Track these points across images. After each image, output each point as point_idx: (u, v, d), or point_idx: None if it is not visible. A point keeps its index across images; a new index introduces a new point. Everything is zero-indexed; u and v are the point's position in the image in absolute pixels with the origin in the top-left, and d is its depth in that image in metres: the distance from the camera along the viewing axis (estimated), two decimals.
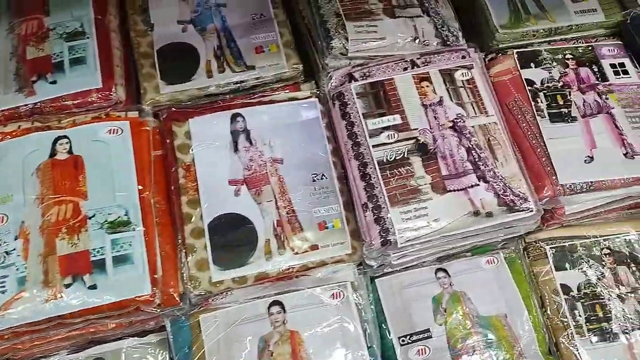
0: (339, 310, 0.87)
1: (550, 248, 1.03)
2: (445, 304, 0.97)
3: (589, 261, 1.02)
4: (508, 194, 0.93)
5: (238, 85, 1.00)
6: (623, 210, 1.05)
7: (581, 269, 1.01)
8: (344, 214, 0.94)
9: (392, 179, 0.92)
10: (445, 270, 1.00)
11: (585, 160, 0.99)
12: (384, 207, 0.90)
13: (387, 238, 0.88)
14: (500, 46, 1.11)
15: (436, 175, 0.94)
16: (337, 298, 0.87)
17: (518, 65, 1.08)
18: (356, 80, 0.98)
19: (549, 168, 0.98)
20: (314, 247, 0.91)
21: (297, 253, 0.90)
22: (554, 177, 0.97)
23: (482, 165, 0.95)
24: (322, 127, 0.99)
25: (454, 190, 0.93)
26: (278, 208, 0.92)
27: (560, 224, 1.04)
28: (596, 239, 1.04)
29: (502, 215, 0.92)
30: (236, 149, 0.95)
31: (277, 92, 1.01)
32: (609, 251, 1.03)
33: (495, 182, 0.94)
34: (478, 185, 0.94)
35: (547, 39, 1.12)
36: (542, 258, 1.03)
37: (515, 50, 1.10)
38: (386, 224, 0.89)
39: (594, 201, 0.99)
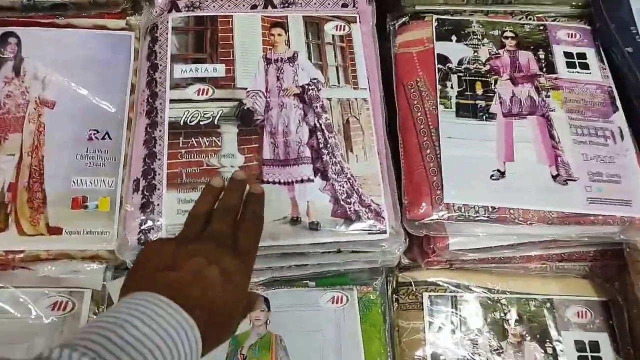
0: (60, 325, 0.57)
1: (430, 297, 0.71)
2: (248, 349, 0.66)
3: (483, 326, 0.69)
4: (353, 201, 0.62)
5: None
6: (542, 262, 0.71)
7: (469, 336, 0.68)
8: (120, 192, 0.65)
9: (182, 151, 0.62)
10: (265, 300, 0.69)
11: (491, 176, 0.67)
12: (158, 188, 0.61)
13: (148, 235, 0.59)
14: (416, 8, 0.80)
15: (253, 157, 0.64)
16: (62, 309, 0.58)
17: (434, 36, 0.77)
18: (179, 10, 0.70)
19: (434, 178, 0.66)
20: (55, 230, 0.62)
21: (25, 234, 0.61)
22: (438, 191, 0.65)
23: (327, 154, 0.64)
24: (129, 72, 0.71)
25: (273, 183, 0.63)
26: (20, 166, 0.64)
27: (447, 263, 0.71)
28: (501, 295, 0.71)
29: (333, 230, 0.60)
30: None
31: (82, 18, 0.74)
32: (516, 317, 0.70)
33: (339, 182, 0.63)
34: (312, 181, 0.63)
35: (483, 7, 0.80)
36: (415, 309, 0.70)
37: (435, 16, 0.79)
38: (153, 214, 0.60)
39: (496, 238, 0.66)
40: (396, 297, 0.72)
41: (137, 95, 0.67)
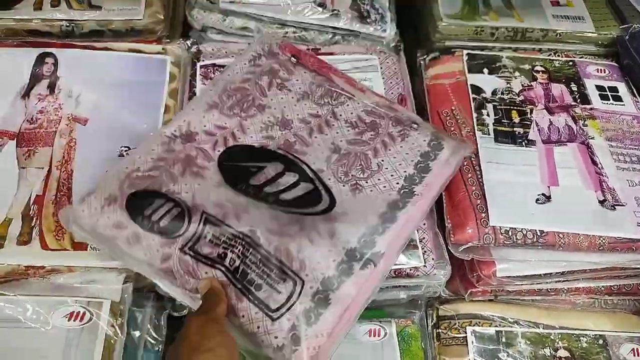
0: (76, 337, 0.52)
1: (474, 332, 0.66)
2: None
3: None
4: None
5: (72, 25, 0.74)
6: (590, 295, 0.67)
7: None
8: None
9: None
10: None
11: (537, 200, 0.64)
12: None
13: None
14: (446, 43, 0.82)
15: None
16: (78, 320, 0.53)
17: (466, 69, 0.78)
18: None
19: (478, 201, 0.64)
20: (80, 246, 0.58)
21: (48, 248, 0.57)
22: (483, 214, 0.62)
23: None
24: (163, 93, 0.70)
25: None
26: (48, 180, 0.61)
27: (493, 294, 0.67)
28: (550, 330, 0.66)
29: None
30: (27, 95, 0.67)
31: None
32: (567, 354, 0.65)
33: None
34: None
35: (512, 45, 0.82)
36: (459, 344, 0.65)
37: (465, 51, 0.81)
38: None
39: (544, 264, 0.63)
40: (437, 331, 0.66)
41: None
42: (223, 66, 0.72)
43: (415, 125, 0.66)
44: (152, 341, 0.56)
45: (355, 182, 0.60)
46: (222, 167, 0.60)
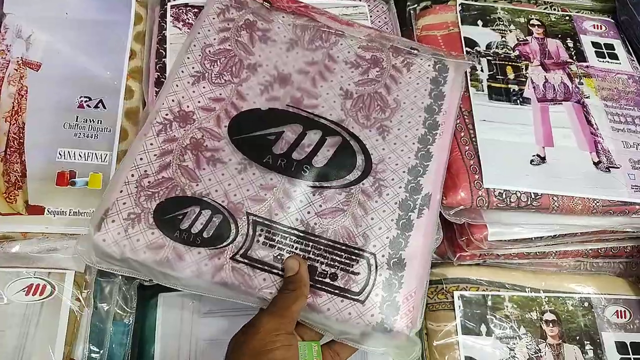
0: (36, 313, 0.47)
1: (461, 297, 0.64)
2: None
3: (519, 327, 0.62)
4: None
5: None
6: (577, 258, 0.66)
7: (504, 338, 0.61)
8: (114, 169, 0.56)
9: None
10: None
11: (532, 161, 0.61)
12: None
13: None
14: None
15: None
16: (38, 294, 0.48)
17: (459, 20, 0.73)
18: None
19: (472, 162, 0.60)
20: (36, 210, 0.52)
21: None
22: (476, 176, 0.59)
23: None
24: (128, 36, 0.62)
25: None
26: None
27: (480, 258, 0.65)
28: (536, 293, 0.65)
29: None
30: None
31: None
32: (553, 317, 0.64)
33: None
34: None
35: None
36: (446, 309, 0.63)
37: (459, 1, 0.75)
38: None
39: (538, 228, 0.61)
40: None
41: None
42: (197, 7, 0.64)
43: (415, 51, 0.64)
44: (122, 313, 0.51)
45: (379, 124, 0.58)
46: (236, 142, 0.53)
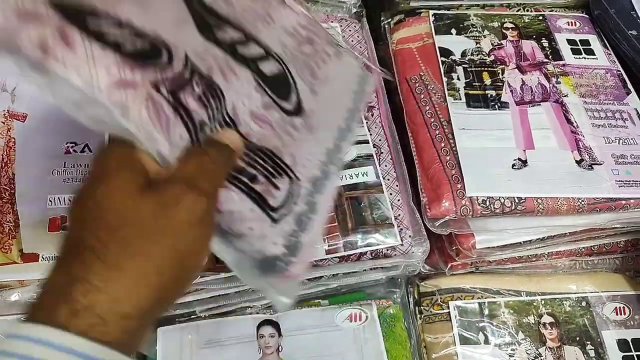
0: None
1: (457, 307, 0.64)
2: None
3: (517, 333, 0.62)
4: None
5: None
6: (571, 258, 0.66)
7: (503, 345, 0.61)
8: None
9: None
10: (274, 324, 0.61)
11: (513, 165, 0.62)
12: None
13: None
14: (411, 4, 0.77)
15: None
16: None
17: (433, 31, 0.74)
18: None
19: (453, 172, 0.61)
20: (30, 257, 0.53)
21: None
22: (459, 186, 0.60)
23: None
24: None
25: None
26: None
27: (472, 266, 0.65)
28: (532, 297, 0.65)
29: None
30: None
31: None
32: (551, 319, 0.64)
33: None
34: None
35: (479, 2, 0.78)
36: (442, 320, 0.63)
37: (431, 11, 0.76)
38: None
39: (523, 232, 0.61)
40: (419, 308, 0.65)
41: None
42: None
43: (342, 49, 0.61)
44: None
45: (310, 83, 0.52)
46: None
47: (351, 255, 0.57)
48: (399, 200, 0.61)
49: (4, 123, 0.60)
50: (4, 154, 0.58)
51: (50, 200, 0.56)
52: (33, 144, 0.59)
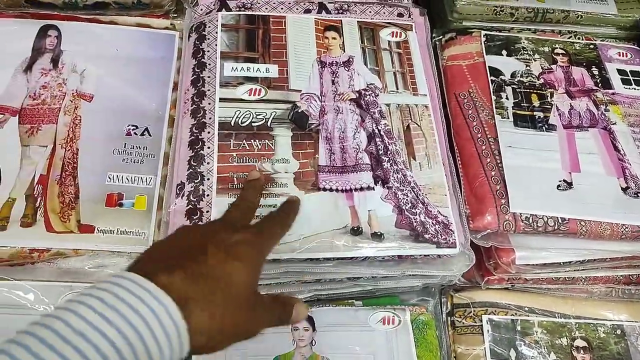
0: None
1: (490, 320, 0.64)
2: None
3: (549, 353, 0.62)
4: (418, 211, 0.57)
5: None
6: (608, 284, 0.66)
7: None
8: (158, 191, 0.60)
9: (234, 154, 0.57)
10: (309, 319, 0.62)
11: (558, 186, 0.62)
12: (207, 194, 0.55)
13: None
14: (463, 23, 0.79)
15: (308, 162, 0.59)
16: None
17: (484, 50, 0.76)
18: (229, 9, 0.67)
19: (498, 187, 0.62)
20: (87, 229, 0.56)
21: (54, 230, 0.55)
22: (502, 201, 0.60)
23: (387, 161, 0.59)
24: (171, 70, 0.67)
25: (330, 190, 0.58)
26: (52, 159, 0.59)
27: (508, 282, 0.65)
28: (566, 319, 0.65)
29: (401, 242, 0.55)
30: (29, 69, 0.64)
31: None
32: (584, 344, 0.63)
33: (402, 191, 0.58)
34: (372, 189, 0.58)
35: (532, 26, 0.80)
36: (474, 333, 0.64)
37: (483, 32, 0.78)
38: (201, 221, 0.54)
39: (565, 252, 0.61)
40: (452, 319, 0.65)
41: (180, 95, 0.63)
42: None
43: None
44: None
45: None
46: None
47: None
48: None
49: (72, 102, 0.63)
50: (69, 130, 0.61)
51: (110, 178, 0.59)
52: (97, 124, 0.62)
